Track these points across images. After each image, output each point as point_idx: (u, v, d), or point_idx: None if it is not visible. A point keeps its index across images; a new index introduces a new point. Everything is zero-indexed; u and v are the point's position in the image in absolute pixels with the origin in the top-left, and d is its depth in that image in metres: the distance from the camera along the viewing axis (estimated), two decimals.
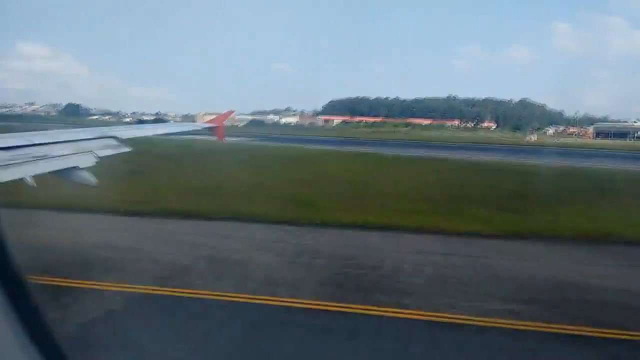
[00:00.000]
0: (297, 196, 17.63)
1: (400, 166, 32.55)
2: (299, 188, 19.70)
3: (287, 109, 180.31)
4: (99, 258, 10.75)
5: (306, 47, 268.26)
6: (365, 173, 27.17)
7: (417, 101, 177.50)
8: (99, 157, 8.62)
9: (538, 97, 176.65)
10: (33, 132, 8.22)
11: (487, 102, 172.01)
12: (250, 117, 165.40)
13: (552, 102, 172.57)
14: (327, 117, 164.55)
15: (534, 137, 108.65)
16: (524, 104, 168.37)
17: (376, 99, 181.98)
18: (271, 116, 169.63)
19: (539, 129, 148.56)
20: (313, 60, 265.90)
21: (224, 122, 14.03)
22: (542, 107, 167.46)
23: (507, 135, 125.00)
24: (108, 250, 11.29)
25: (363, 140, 72.56)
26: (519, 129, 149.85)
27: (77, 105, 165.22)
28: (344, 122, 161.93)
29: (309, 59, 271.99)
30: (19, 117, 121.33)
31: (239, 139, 59.48)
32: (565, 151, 57.56)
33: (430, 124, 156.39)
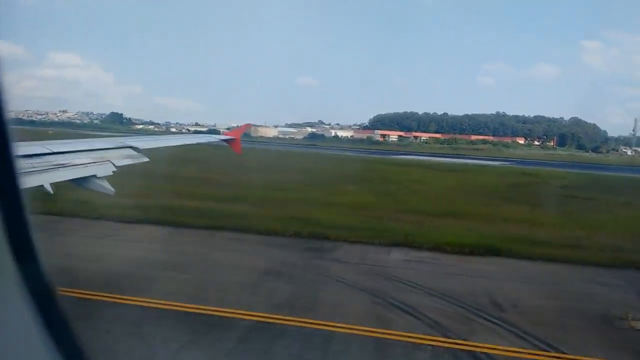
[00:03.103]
0: None
1: None
2: None
3: (320, 122, 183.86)
4: None
5: (332, 62, 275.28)
6: None
7: (467, 117, 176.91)
8: (117, 167, 9.30)
9: (561, 114, 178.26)
10: (55, 141, 8.89)
11: (538, 119, 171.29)
12: (291, 130, 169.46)
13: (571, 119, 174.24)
14: (384, 132, 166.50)
15: None
16: (575, 122, 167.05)
17: (425, 114, 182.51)
18: (308, 129, 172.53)
19: (613, 149, 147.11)
20: (338, 75, 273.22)
21: (241, 135, 14.84)
22: (594, 126, 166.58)
23: (610, 156, 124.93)
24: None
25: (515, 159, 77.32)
26: (582, 148, 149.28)
27: (120, 114, 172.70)
28: (399, 137, 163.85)
29: (334, 73, 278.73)
30: (70, 125, 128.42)
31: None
32: None
33: (504, 141, 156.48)
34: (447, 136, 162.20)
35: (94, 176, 8.85)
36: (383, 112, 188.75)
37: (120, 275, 12.43)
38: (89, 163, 8.87)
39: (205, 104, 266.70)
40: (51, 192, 7.86)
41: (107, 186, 9.01)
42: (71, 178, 8.55)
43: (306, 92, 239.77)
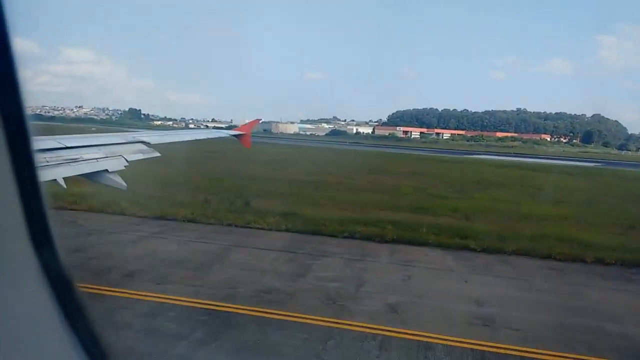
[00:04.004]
0: None
1: None
2: None
3: (334, 118, 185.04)
4: None
5: (342, 58, 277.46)
6: None
7: (487, 113, 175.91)
8: (129, 162, 9.48)
9: (571, 110, 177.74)
10: (67, 136, 9.08)
11: (560, 116, 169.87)
12: (308, 126, 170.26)
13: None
14: (406, 129, 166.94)
15: None
16: (598, 119, 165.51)
17: (444, 110, 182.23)
18: (324, 124, 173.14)
19: None
20: (349, 70, 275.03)
21: (250, 130, 14.95)
22: (616, 123, 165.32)
23: None
24: None
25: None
26: (607, 145, 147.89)
27: (139, 110, 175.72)
28: (421, 134, 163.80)
29: (344, 69, 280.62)
30: (90, 121, 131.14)
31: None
32: None
33: (533, 138, 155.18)
34: (470, 133, 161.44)
35: (106, 171, 9.05)
36: (402, 108, 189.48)
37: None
38: (101, 158, 9.05)
39: (216, 100, 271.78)
40: (64, 186, 8.06)
41: (119, 181, 9.19)
42: (83, 172, 8.76)
43: (317, 88, 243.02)
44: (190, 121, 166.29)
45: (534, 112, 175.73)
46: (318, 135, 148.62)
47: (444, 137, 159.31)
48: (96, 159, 9.02)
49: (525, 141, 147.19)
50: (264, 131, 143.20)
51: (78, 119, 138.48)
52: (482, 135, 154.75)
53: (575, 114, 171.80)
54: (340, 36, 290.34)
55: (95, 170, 8.92)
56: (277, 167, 36.78)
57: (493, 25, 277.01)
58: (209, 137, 12.97)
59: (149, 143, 9.78)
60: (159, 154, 9.89)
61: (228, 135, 14.07)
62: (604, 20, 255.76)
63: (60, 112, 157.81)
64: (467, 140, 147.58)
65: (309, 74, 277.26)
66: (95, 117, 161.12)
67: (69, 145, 8.50)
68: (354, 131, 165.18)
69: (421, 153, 72.60)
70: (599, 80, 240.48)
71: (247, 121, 18.53)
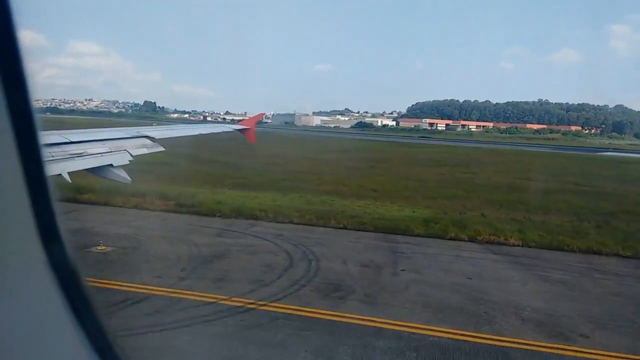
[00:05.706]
0: None
1: None
2: None
3: (347, 110, 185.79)
4: None
5: (350, 50, 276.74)
6: None
7: (509, 104, 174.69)
8: (133, 156, 9.78)
9: (593, 100, 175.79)
10: (72, 131, 9.40)
11: (583, 107, 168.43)
12: (325, 118, 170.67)
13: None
14: (432, 121, 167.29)
15: None
16: (621, 109, 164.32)
17: (465, 101, 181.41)
18: (339, 116, 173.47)
19: None
20: (358, 63, 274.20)
21: (254, 124, 15.09)
22: (639, 114, 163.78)
23: None
24: None
25: None
26: (638, 137, 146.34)
27: (154, 103, 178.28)
28: (447, 125, 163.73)
29: (353, 61, 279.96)
30: (108, 114, 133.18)
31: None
32: None
33: (570, 130, 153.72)
34: (499, 124, 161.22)
35: (110, 165, 9.36)
36: (421, 99, 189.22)
37: None
38: (105, 152, 9.36)
39: (225, 93, 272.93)
40: (69, 181, 8.37)
41: (124, 175, 9.49)
42: (88, 167, 9.07)
43: (326, 81, 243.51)
44: (207, 114, 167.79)
45: (556, 103, 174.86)
46: (344, 128, 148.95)
47: (471, 129, 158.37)
48: (101, 153, 9.33)
49: (565, 133, 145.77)
50: (286, 123, 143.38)
51: (93, 112, 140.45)
52: (517, 128, 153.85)
53: (598, 105, 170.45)
54: (350, 29, 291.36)
55: (100, 164, 9.24)
56: (448, 171, 36.86)
57: (503, 15, 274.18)
58: (213, 131, 13.11)
59: (153, 138, 10.06)
60: (162, 149, 10.17)
61: (232, 130, 14.24)
62: (617, 10, 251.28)
63: (71, 105, 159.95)
64: (501, 133, 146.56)
65: (318, 66, 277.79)
66: (106, 109, 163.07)
67: (73, 140, 8.82)
68: (379, 123, 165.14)
69: (509, 148, 71.70)
70: (616, 71, 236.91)
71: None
